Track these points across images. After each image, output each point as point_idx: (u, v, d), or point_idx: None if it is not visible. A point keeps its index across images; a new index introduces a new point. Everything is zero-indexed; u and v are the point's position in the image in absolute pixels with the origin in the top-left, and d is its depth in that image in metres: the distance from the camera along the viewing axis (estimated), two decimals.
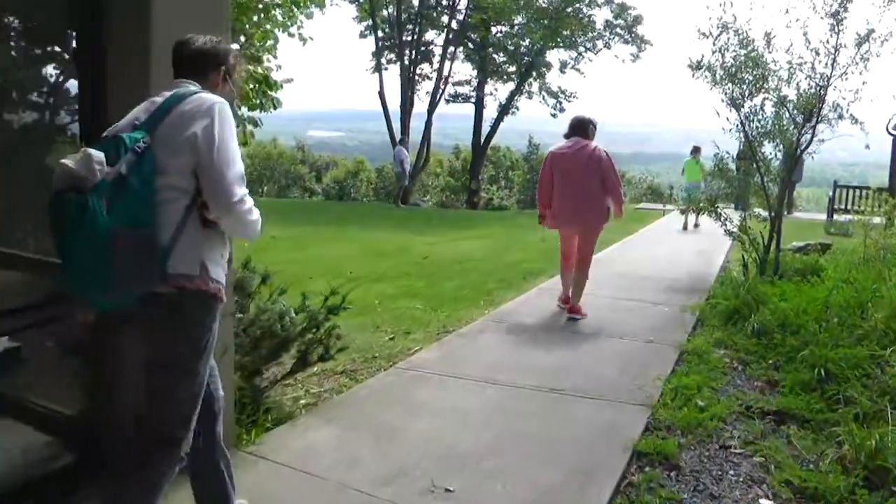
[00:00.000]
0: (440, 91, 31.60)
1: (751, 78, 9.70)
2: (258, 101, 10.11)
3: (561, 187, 8.04)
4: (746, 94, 9.83)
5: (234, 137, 3.09)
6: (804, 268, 9.97)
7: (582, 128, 8.22)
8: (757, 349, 6.94)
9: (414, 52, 31.55)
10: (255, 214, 3.13)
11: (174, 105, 3.03)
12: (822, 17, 9.10)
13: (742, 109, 9.89)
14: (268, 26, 9.50)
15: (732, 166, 10.60)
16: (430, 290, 9.64)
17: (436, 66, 34.64)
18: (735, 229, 10.05)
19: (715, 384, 6.09)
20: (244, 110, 10.47)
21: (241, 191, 2.99)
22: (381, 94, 29.82)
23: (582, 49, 34.28)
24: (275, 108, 10.53)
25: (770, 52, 9.65)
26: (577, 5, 31.92)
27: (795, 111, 9.69)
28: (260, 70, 9.98)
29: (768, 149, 10.05)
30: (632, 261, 12.08)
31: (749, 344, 7.07)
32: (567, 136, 8.28)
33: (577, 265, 8.19)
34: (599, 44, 34.13)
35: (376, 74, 31.42)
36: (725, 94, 9.87)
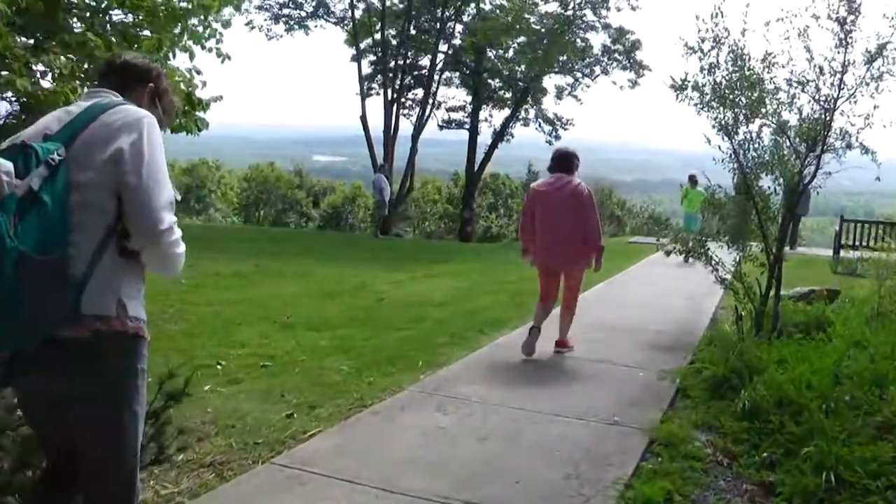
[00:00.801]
0: (427, 116, 30.11)
1: (745, 100, 8.23)
2: (181, 122, 8.74)
3: (544, 224, 7.77)
4: (741, 119, 8.35)
5: (163, 157, 2.79)
6: (808, 321, 8.50)
7: (565, 162, 7.96)
8: (748, 435, 5.48)
9: (401, 76, 30.14)
10: (182, 247, 2.83)
11: (96, 115, 2.74)
12: (826, 28, 7.65)
13: (736, 137, 8.41)
14: (189, 41, 8.05)
15: (727, 203, 9.10)
16: (368, 343, 8.18)
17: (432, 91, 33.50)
18: (728, 275, 8.56)
19: (691, 490, 4.63)
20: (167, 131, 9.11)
21: (169, 218, 2.69)
22: (364, 119, 28.37)
23: (579, 75, 32.97)
24: (199, 129, 9.17)
25: (769, 72, 8.19)
26: (573, 28, 30.55)
27: (797, 139, 8.22)
28: (182, 86, 8.59)
29: (766, 182, 8.58)
30: (611, 307, 10.61)
31: (739, 427, 5.61)
32: (550, 170, 8.05)
33: (564, 302, 8.02)
34: (597, 69, 32.80)
35: (371, 98, 30.29)
36: (716, 119, 8.40)
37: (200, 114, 8.94)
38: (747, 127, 8.42)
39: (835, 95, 7.80)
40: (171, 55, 8.12)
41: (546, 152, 32.53)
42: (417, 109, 31.08)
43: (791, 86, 8.08)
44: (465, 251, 22.48)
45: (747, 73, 8.13)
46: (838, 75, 7.84)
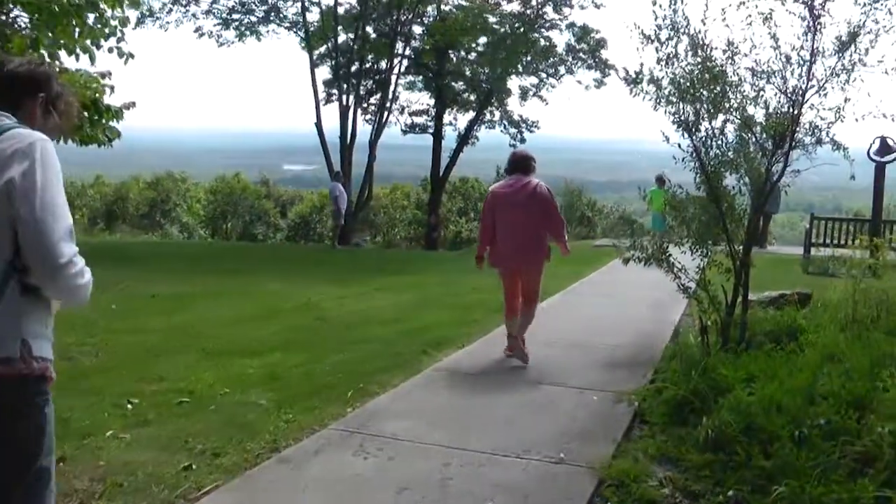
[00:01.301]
0: (384, 121, 29.22)
1: (707, 94, 7.54)
2: (87, 132, 7.95)
3: (503, 226, 7.74)
4: (703, 114, 7.66)
5: (61, 182, 2.57)
6: (778, 330, 7.90)
7: (523, 164, 7.98)
8: (711, 471, 4.84)
9: (358, 81, 29.26)
10: (87, 276, 2.60)
11: None
12: (793, 12, 6.98)
13: (697, 133, 7.72)
14: (88, 41, 7.24)
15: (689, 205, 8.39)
16: (298, 370, 7.43)
17: (390, 95, 32.70)
18: (691, 283, 7.87)
19: None
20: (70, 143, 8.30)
21: (69, 250, 2.49)
22: (318, 126, 27.46)
23: (543, 75, 32.29)
24: (110, 140, 8.38)
25: (732, 64, 7.50)
26: (535, 27, 29.87)
27: (764, 135, 7.55)
28: (88, 92, 7.80)
29: (731, 181, 7.90)
30: (567, 320, 9.90)
31: (701, 461, 4.95)
32: (508, 173, 8.08)
33: (524, 305, 7.90)
34: (562, 69, 32.10)
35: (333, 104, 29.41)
36: (675, 114, 7.71)
37: (113, 122, 8.18)
38: (710, 123, 7.74)
39: (803, 87, 7.15)
40: (74, 57, 7.34)
41: (506, 155, 32.12)
42: (384, 115, 30.44)
43: (756, 77, 7.40)
44: (425, 260, 21.74)
45: (709, 64, 7.44)
46: (807, 65, 7.19)
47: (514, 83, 32.40)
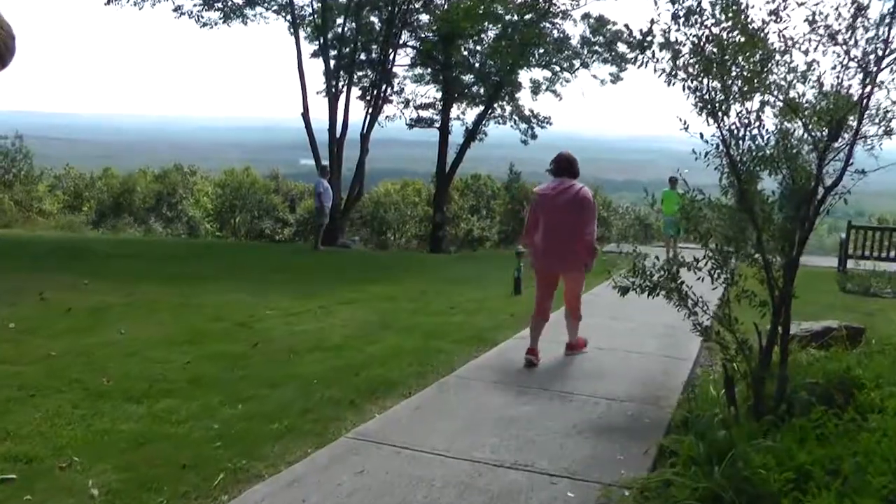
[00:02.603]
0: (377, 112, 26.76)
1: (742, 64, 5.44)
2: None
3: (546, 228, 7.58)
4: (734, 93, 5.56)
5: None
6: (828, 385, 5.76)
7: (569, 166, 7.75)
8: None
9: (352, 69, 27.03)
10: None
11: None
12: None
13: (726, 119, 5.61)
14: None
15: (709, 211, 6.23)
16: (179, 429, 5.39)
17: (396, 87, 30.57)
18: (709, 321, 5.77)
19: None
20: None
21: None
22: (305, 116, 25.15)
23: (557, 68, 30.04)
24: None
25: (777, 21, 5.37)
26: (548, 17, 27.61)
27: (815, 122, 5.45)
28: None
29: (769, 185, 5.80)
30: (554, 358, 7.77)
31: None
32: (553, 174, 7.79)
33: (568, 310, 7.83)
34: (576, 63, 29.84)
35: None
36: (698, 93, 5.60)
37: None
38: (742, 105, 5.63)
39: (880, 53, 5.02)
40: None
41: (523, 150, 29.89)
42: (378, 106, 28.40)
43: (809, 42, 5.28)
44: (416, 264, 19.48)
45: (745, 21, 5.33)
46: (878, 29, 5.10)
47: (525, 76, 30.29)
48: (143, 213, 36.67)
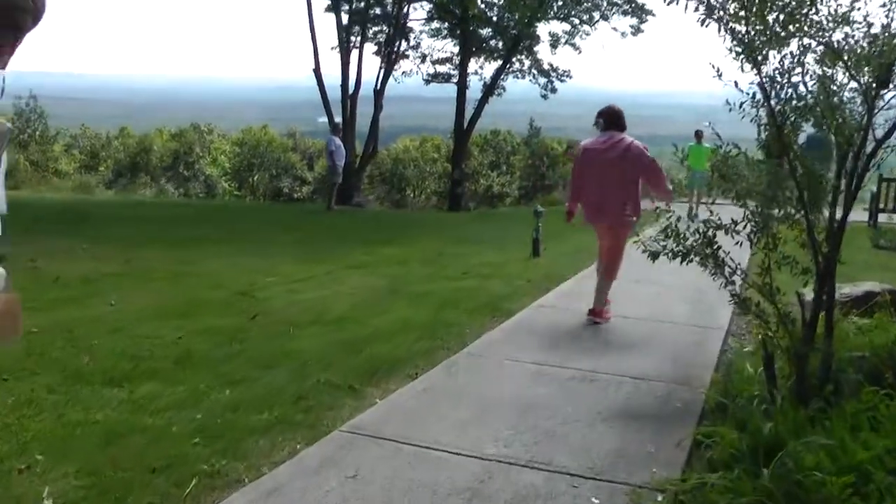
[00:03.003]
0: (391, 68, 25.94)
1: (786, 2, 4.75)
2: None
3: (592, 183, 7.42)
4: (770, 34, 4.86)
5: None
6: (876, 360, 5.13)
7: (616, 119, 7.54)
8: None
9: (360, 27, 26.08)
10: None
11: None
12: None
13: (766, 64, 4.92)
14: None
15: (745, 170, 5.54)
16: (157, 421, 4.81)
17: (412, 42, 29.72)
18: (748, 289, 5.14)
19: None
20: None
21: None
22: (317, 72, 24.38)
23: (576, 21, 29.06)
24: None
25: None
26: None
27: (862, 68, 4.77)
28: None
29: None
30: (575, 327, 7.16)
31: None
32: (601, 128, 7.54)
33: (605, 267, 7.52)
34: (596, 15, 28.87)
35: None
36: (734, 35, 4.91)
37: None
38: (779, 50, 4.95)
39: None
40: None
41: (543, 106, 29.05)
42: (392, 61, 27.58)
43: None
44: (432, 224, 18.85)
45: None
46: None
47: (544, 30, 29.35)
48: (159, 173, 36.41)
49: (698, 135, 16.54)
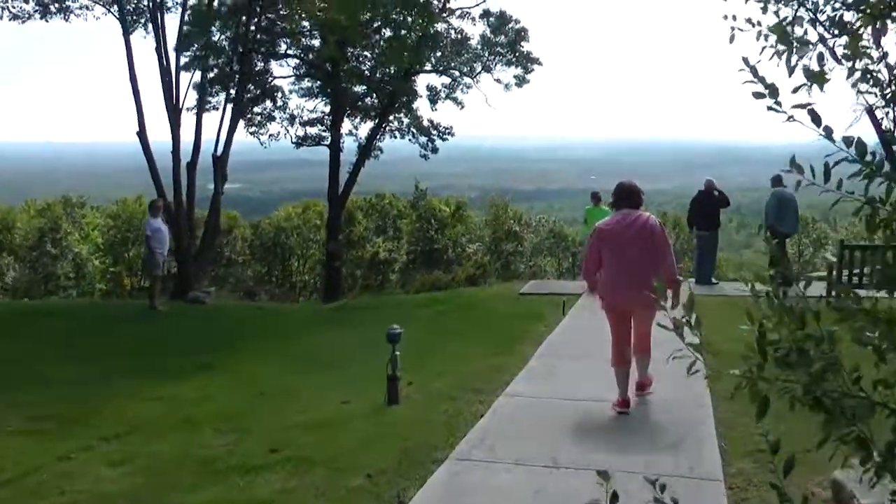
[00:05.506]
0: (231, 129, 20.91)
1: None
2: None
3: (613, 264, 6.91)
4: None
5: None
6: None
7: (631, 196, 7.04)
8: None
9: (201, 77, 22.17)
10: None
11: None
12: None
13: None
14: None
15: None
16: None
17: (279, 102, 25.99)
18: None
19: None
20: None
21: None
22: (141, 135, 18.91)
23: (456, 73, 25.81)
24: None
25: None
26: (443, 15, 23.44)
27: None
28: None
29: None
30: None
31: None
32: (615, 207, 7.23)
33: (638, 349, 6.89)
34: (478, 66, 25.72)
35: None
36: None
37: None
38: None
39: None
40: None
41: (428, 165, 25.30)
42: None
43: None
44: (275, 328, 13.56)
45: None
46: None
47: (422, 83, 26.12)
48: (24, 252, 32.13)
49: (595, 197, 15.79)
